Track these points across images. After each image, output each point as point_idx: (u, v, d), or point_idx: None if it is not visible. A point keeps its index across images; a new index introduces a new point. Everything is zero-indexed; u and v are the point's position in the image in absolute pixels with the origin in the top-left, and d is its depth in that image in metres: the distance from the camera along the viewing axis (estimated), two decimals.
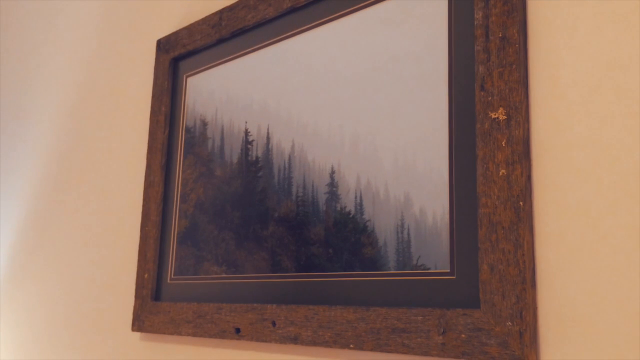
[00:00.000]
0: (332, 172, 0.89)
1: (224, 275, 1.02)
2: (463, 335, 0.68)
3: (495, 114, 0.69)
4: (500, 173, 0.68)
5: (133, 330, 1.16)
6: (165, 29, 1.31)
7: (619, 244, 0.60)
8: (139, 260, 1.19)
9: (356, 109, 0.87)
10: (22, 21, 1.88)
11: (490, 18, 0.72)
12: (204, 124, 1.14)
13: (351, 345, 0.78)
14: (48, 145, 1.63)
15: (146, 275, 1.17)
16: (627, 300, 0.59)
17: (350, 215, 0.85)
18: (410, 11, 0.83)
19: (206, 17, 1.16)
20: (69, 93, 1.60)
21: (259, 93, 1.04)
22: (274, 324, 0.90)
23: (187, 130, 1.17)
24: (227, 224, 1.04)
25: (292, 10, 0.99)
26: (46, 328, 1.48)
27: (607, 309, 0.60)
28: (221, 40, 1.13)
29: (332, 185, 0.89)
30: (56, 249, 1.51)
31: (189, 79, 1.20)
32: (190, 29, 1.19)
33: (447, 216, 0.74)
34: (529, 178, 0.67)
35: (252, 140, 1.03)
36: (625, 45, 0.63)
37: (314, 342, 0.83)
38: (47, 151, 1.63)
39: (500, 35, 0.70)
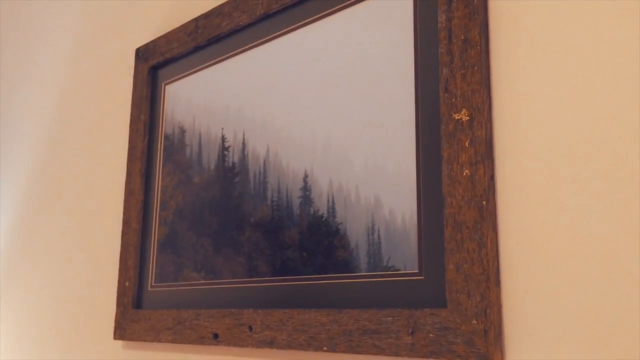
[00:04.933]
0: (306, 176, 0.90)
1: (203, 282, 1.03)
2: (431, 335, 0.68)
3: (458, 115, 0.70)
4: (464, 173, 0.68)
5: (115, 338, 1.16)
6: (144, 38, 1.32)
7: (582, 242, 0.61)
8: (120, 269, 1.19)
9: (327, 113, 0.88)
10: (0, 34, 1.88)
11: (453, 21, 0.73)
12: (183, 131, 1.15)
13: (325, 348, 0.79)
14: (28, 155, 1.63)
15: (127, 283, 1.17)
16: (590, 297, 0.59)
17: (323, 219, 0.86)
18: (376, 15, 0.84)
19: (183, 25, 1.16)
20: (49, 102, 1.60)
21: (234, 99, 1.04)
22: (250, 328, 0.90)
23: (166, 137, 1.18)
24: (205, 230, 1.05)
25: (265, 17, 1.00)
26: (29, 338, 1.47)
27: (571, 307, 0.61)
28: (197, 48, 1.13)
29: (306, 189, 0.89)
30: (38, 259, 1.51)
31: (167, 87, 1.20)
32: (167, 37, 1.20)
33: (415, 217, 0.74)
34: (492, 178, 0.67)
35: (229, 147, 1.04)
36: (586, 46, 0.64)
37: (289, 346, 0.84)
38: (27, 160, 1.63)
39: (463, 37, 0.71)
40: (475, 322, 0.64)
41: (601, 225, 0.60)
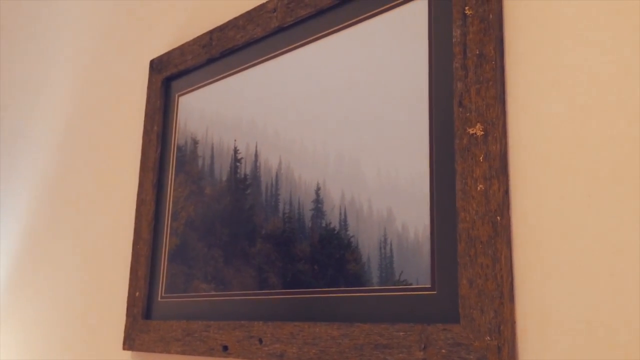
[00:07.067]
0: (318, 189, 0.90)
1: (213, 293, 1.03)
2: (443, 351, 0.67)
3: (473, 130, 0.70)
4: (478, 188, 0.68)
5: (124, 349, 1.16)
6: (158, 49, 1.33)
7: (599, 258, 0.60)
8: (130, 279, 1.19)
9: (340, 126, 0.88)
10: (16, 45, 1.91)
11: (468, 36, 0.73)
12: (195, 142, 1.15)
13: None
14: (41, 163, 1.64)
15: (137, 294, 1.17)
16: (607, 315, 0.59)
17: (335, 232, 0.86)
18: (391, 29, 0.84)
19: (197, 37, 1.17)
20: (63, 112, 1.62)
21: (247, 111, 1.05)
22: (260, 341, 0.90)
23: (179, 148, 1.19)
24: (216, 241, 1.05)
25: (279, 30, 1.01)
26: (37, 347, 1.47)
27: (587, 324, 0.60)
28: (211, 60, 1.14)
29: (318, 201, 0.89)
30: (48, 268, 1.51)
31: (180, 98, 1.21)
32: (182, 49, 1.21)
33: (428, 231, 0.74)
34: (506, 193, 0.67)
35: (241, 158, 1.04)
36: (601, 61, 0.63)
37: (299, 359, 0.83)
38: (40, 168, 1.64)
39: (477, 52, 0.71)
40: (488, 338, 0.64)
41: (619, 242, 0.59)
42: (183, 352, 1.02)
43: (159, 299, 1.14)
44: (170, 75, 1.23)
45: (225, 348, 0.95)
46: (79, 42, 1.63)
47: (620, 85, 0.62)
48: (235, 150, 1.06)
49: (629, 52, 0.62)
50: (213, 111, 1.12)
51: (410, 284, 0.75)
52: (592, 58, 0.64)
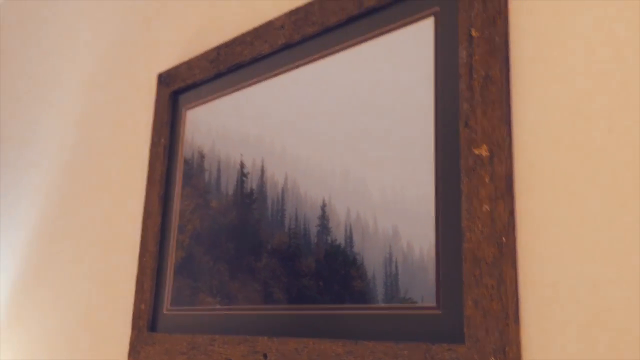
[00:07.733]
0: (324, 205, 0.90)
1: (218, 307, 1.03)
2: None
3: (478, 151, 0.70)
4: (484, 209, 0.68)
5: None
6: (166, 64, 1.34)
7: (603, 279, 0.60)
8: (136, 291, 1.20)
9: (346, 143, 0.89)
10: (24, 57, 1.92)
11: (474, 57, 0.73)
12: (202, 156, 1.16)
13: None
14: (50, 173, 1.65)
15: (143, 306, 1.18)
16: (610, 336, 0.59)
17: (341, 248, 0.86)
18: (398, 49, 0.85)
19: (205, 52, 1.18)
20: (71, 124, 1.63)
21: (254, 126, 1.06)
22: (265, 356, 0.90)
23: (186, 162, 1.19)
24: (222, 255, 1.05)
25: (286, 47, 1.02)
26: (45, 358, 1.48)
27: (591, 345, 0.60)
28: (219, 75, 1.15)
29: (323, 218, 0.90)
30: (55, 279, 1.52)
31: (188, 112, 1.22)
32: (189, 64, 1.22)
33: (433, 250, 0.75)
34: (511, 214, 0.68)
35: (247, 173, 1.05)
36: (608, 84, 0.64)
37: None
38: (47, 179, 1.65)
39: (484, 73, 0.72)
40: (493, 359, 0.64)
41: (625, 263, 0.59)
42: None
43: (165, 312, 1.15)
44: (178, 89, 1.24)
45: None
46: (88, 55, 1.64)
47: (629, 110, 0.62)
48: (242, 165, 1.06)
49: (639, 74, 0.62)
50: (220, 125, 1.13)
51: (415, 303, 0.75)
52: (598, 80, 0.65)
